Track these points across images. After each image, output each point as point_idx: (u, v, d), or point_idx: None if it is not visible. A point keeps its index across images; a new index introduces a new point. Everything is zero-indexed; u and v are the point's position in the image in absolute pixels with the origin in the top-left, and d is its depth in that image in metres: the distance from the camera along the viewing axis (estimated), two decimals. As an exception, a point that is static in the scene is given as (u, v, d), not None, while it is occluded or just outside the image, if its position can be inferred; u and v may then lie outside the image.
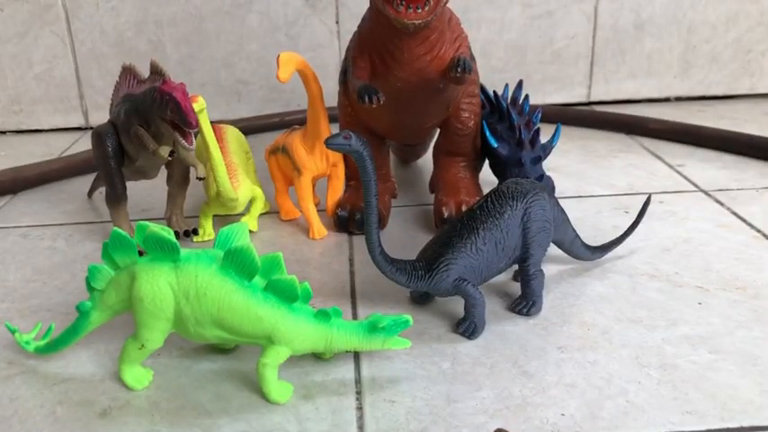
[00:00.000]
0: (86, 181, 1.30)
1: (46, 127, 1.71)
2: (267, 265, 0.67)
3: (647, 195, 0.97)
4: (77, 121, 1.70)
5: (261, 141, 1.40)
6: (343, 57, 1.45)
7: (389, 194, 1.12)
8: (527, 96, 1.07)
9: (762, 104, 1.74)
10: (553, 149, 1.03)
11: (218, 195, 1.00)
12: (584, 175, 1.28)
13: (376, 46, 0.95)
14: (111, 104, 1.02)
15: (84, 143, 1.59)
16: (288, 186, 1.12)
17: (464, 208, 1.02)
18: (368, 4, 0.96)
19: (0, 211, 1.21)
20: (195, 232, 1.06)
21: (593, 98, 1.77)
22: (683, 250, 0.97)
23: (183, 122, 0.87)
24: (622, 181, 1.25)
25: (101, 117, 1.65)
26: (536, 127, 1.01)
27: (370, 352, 0.75)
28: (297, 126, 1.10)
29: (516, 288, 0.86)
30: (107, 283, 0.70)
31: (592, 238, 0.98)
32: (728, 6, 1.70)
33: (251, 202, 1.07)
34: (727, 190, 1.19)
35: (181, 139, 0.90)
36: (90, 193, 1.24)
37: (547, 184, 1.01)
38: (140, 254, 0.69)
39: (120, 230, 0.68)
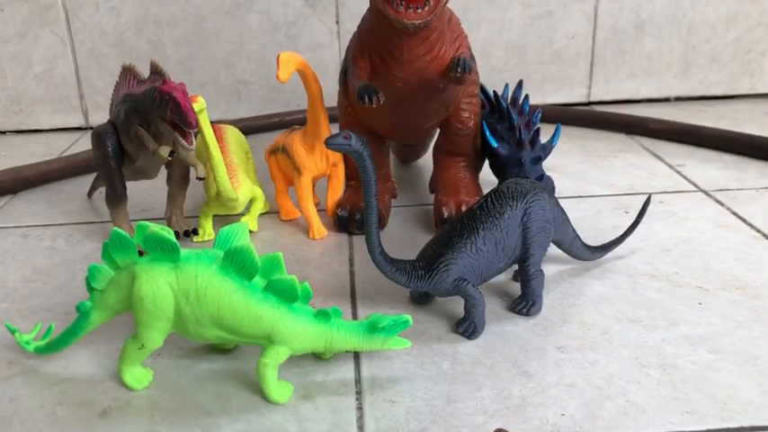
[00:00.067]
0: (86, 181, 1.29)
1: (46, 127, 1.70)
2: (267, 265, 0.67)
3: (647, 195, 0.97)
4: (77, 121, 1.70)
5: (261, 141, 1.40)
6: (343, 57, 1.45)
7: (389, 194, 1.12)
8: (527, 96, 1.07)
9: (762, 104, 1.73)
10: (553, 149, 1.03)
11: (218, 195, 1.00)
12: (584, 175, 1.28)
13: (376, 46, 0.95)
14: (111, 104, 1.02)
15: (84, 143, 1.59)
16: (288, 186, 1.12)
17: (464, 208, 1.02)
18: (368, 4, 0.96)
19: (0, 211, 1.21)
20: (195, 232, 1.06)
21: (593, 98, 1.77)
22: (683, 250, 0.97)
23: (182, 122, 0.87)
24: (622, 181, 1.25)
25: (101, 117, 1.65)
26: (536, 127, 1.01)
27: (370, 352, 0.75)
28: (297, 126, 1.10)
29: (516, 288, 0.86)
30: (107, 283, 0.70)
31: (592, 238, 0.98)
32: (728, 6, 1.70)
33: (251, 202, 1.07)
34: (727, 190, 1.19)
35: (181, 139, 0.90)
36: (90, 193, 1.24)
37: (547, 184, 1.01)
38: (140, 254, 0.69)
39: (120, 230, 0.68)
